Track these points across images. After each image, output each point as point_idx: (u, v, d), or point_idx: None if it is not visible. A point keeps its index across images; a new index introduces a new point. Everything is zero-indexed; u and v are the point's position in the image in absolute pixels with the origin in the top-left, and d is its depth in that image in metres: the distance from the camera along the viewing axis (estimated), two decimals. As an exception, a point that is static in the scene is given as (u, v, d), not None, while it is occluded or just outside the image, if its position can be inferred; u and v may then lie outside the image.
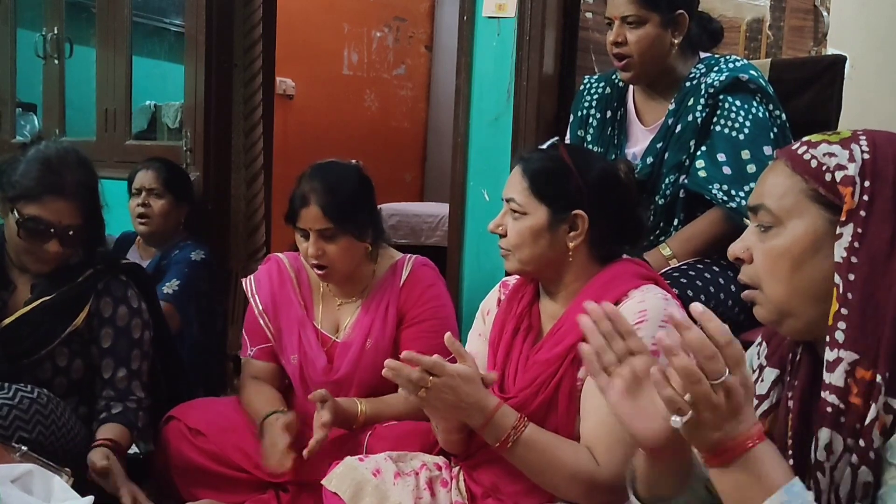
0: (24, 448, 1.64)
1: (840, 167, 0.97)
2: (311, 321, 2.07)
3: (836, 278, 0.96)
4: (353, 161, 2.07)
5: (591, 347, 1.07)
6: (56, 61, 3.72)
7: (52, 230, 1.87)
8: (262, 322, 2.07)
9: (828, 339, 0.97)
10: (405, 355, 1.39)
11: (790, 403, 1.04)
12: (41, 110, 4.05)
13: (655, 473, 1.08)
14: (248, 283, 2.13)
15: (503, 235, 1.55)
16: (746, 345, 1.21)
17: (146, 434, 2.05)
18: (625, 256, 1.60)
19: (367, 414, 1.93)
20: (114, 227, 2.58)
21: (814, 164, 0.99)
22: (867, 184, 0.96)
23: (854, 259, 0.95)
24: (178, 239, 2.83)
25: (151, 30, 4.86)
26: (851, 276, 0.95)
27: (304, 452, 1.78)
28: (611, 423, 1.38)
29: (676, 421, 0.91)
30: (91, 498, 1.56)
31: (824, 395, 0.97)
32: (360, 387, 2.01)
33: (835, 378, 0.96)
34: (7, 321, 1.90)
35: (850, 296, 0.95)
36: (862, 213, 0.95)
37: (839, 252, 0.96)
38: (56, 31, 3.71)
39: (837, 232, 0.96)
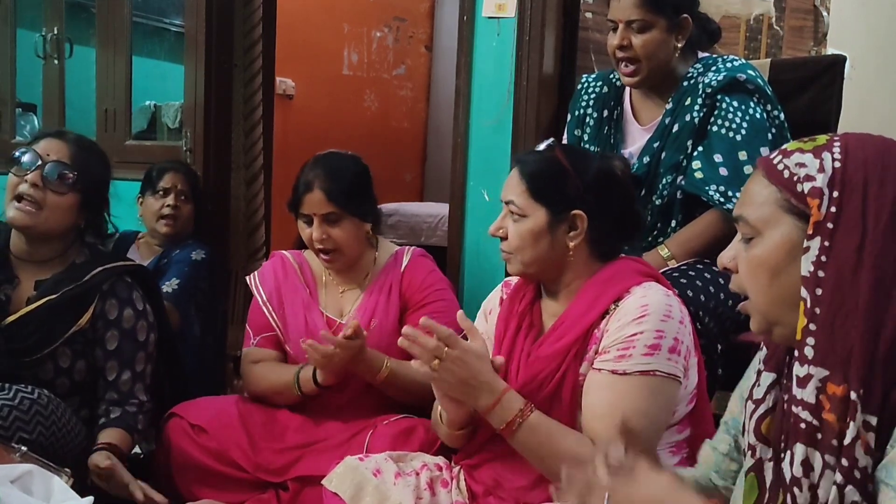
0: (24, 448, 1.64)
1: (809, 178, 0.97)
2: (317, 305, 2.12)
3: (803, 292, 0.96)
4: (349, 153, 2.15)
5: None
6: (56, 61, 3.71)
7: (38, 162, 1.88)
8: (265, 311, 2.11)
9: (797, 353, 0.97)
10: (423, 321, 1.42)
11: (787, 407, 1.04)
12: (41, 110, 4.04)
13: None
14: (252, 279, 2.19)
15: (504, 238, 1.56)
16: (749, 345, 1.21)
17: (147, 435, 2.04)
18: (624, 255, 1.61)
19: (391, 369, 1.94)
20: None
21: (786, 174, 1.00)
22: (836, 194, 0.95)
23: (821, 273, 0.95)
24: (183, 240, 2.83)
25: (151, 30, 4.85)
26: (819, 291, 0.95)
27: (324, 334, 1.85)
28: (610, 414, 1.39)
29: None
30: (91, 498, 1.56)
31: (796, 410, 0.97)
32: None
33: (806, 394, 0.96)
34: (10, 319, 1.89)
35: (817, 311, 0.95)
36: (829, 225, 0.95)
37: (806, 266, 0.96)
38: (56, 31, 3.69)
39: (805, 245, 0.96)
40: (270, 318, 2.11)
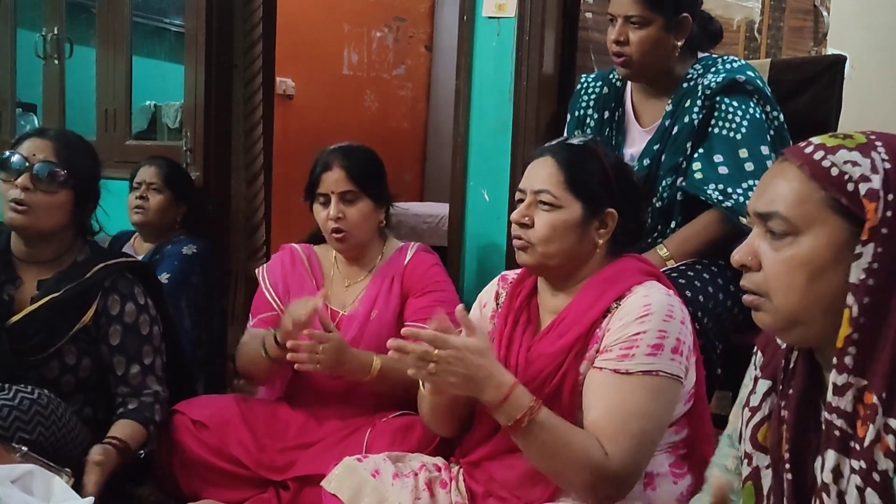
0: (24, 449, 1.64)
1: (864, 178, 0.92)
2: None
3: (850, 300, 0.92)
4: None
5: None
6: (56, 61, 3.71)
7: (25, 164, 1.88)
8: (268, 295, 2.14)
9: (835, 361, 0.94)
10: (405, 331, 1.39)
11: (783, 413, 1.02)
12: (41, 110, 4.05)
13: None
14: (261, 270, 2.22)
15: (528, 226, 1.53)
16: (747, 347, 1.20)
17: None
18: (626, 254, 1.61)
19: (381, 366, 1.93)
20: (114, 226, 2.58)
21: (834, 171, 0.94)
22: (890, 197, 0.91)
23: (871, 281, 0.91)
24: (172, 235, 2.84)
25: (151, 30, 4.85)
26: (866, 300, 0.91)
27: None
28: (615, 414, 1.39)
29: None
30: (91, 498, 1.56)
31: (830, 417, 0.95)
32: None
33: (844, 403, 0.94)
34: (14, 319, 1.89)
35: (862, 320, 0.92)
36: (884, 230, 0.91)
37: (857, 273, 0.92)
38: (56, 31, 3.70)
39: (857, 251, 0.92)
40: (272, 301, 2.13)
